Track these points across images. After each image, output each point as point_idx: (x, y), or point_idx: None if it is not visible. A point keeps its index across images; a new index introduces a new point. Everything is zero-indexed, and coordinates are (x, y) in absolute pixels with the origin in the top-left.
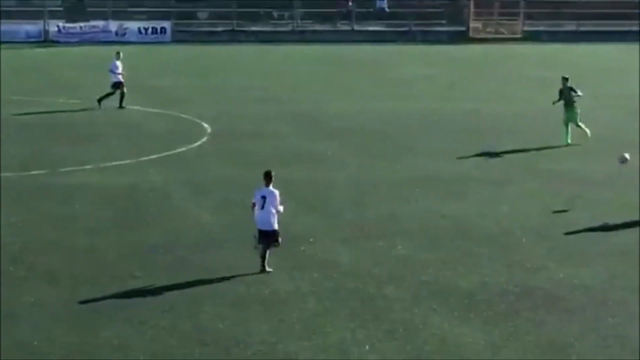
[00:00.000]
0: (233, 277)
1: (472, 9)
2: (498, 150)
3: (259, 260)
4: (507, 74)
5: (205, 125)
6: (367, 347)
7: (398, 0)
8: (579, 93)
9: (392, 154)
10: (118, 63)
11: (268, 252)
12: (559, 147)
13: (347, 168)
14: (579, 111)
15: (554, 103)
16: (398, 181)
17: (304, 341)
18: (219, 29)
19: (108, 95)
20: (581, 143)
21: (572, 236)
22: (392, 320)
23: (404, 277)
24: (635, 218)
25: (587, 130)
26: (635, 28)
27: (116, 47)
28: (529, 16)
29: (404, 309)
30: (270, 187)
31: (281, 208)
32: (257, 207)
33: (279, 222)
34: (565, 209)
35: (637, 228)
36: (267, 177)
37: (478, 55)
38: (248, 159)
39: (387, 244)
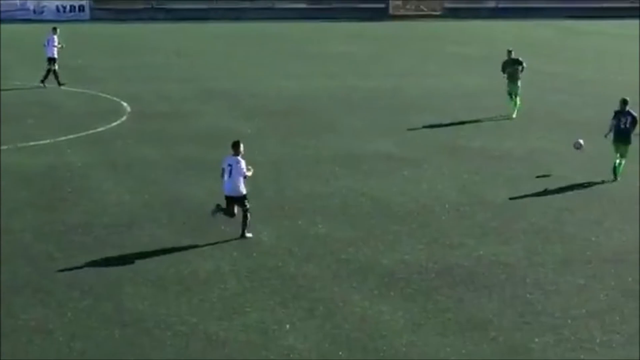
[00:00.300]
0: (153, 257)
1: None
2: (417, 127)
3: (184, 239)
4: (426, 51)
5: (125, 104)
6: (287, 326)
7: None
8: (524, 65)
9: (312, 132)
10: (55, 37)
11: (243, 219)
12: (476, 122)
13: (266, 147)
14: (520, 84)
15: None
16: (318, 160)
17: (225, 321)
18: (138, 6)
19: (48, 73)
20: (501, 119)
21: (490, 213)
22: (312, 298)
23: (324, 255)
24: (552, 194)
25: (515, 109)
26: (553, 4)
27: (35, 25)
28: None
29: (324, 287)
30: (238, 157)
31: (249, 173)
32: (225, 175)
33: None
34: (482, 184)
35: (557, 204)
36: (235, 147)
37: (398, 32)
38: (167, 139)
39: (307, 223)
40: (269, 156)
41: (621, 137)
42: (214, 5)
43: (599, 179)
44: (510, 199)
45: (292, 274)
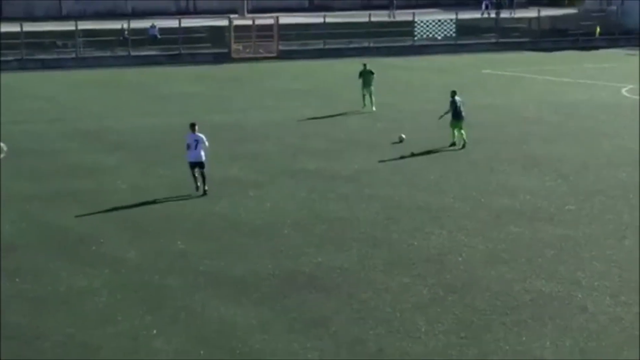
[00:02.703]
0: (32, 277)
1: (232, 33)
2: (259, 154)
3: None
4: (264, 88)
5: (2, 144)
6: (154, 331)
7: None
8: (374, 74)
9: (166, 162)
10: None
11: (202, 178)
12: (310, 147)
13: (128, 176)
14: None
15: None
16: (173, 185)
17: (99, 330)
18: (9, 58)
19: None
20: (327, 145)
21: (326, 226)
22: (175, 307)
23: (184, 268)
24: (378, 207)
25: (372, 104)
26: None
27: None
28: (283, 37)
29: (185, 296)
30: (197, 133)
31: (207, 144)
32: (191, 148)
33: (206, 155)
34: (319, 201)
35: (383, 215)
36: (192, 126)
37: (239, 73)
38: (41, 173)
39: (168, 241)
40: (131, 184)
41: (458, 117)
42: (76, 55)
43: (419, 194)
44: (339, 212)
45: (156, 286)
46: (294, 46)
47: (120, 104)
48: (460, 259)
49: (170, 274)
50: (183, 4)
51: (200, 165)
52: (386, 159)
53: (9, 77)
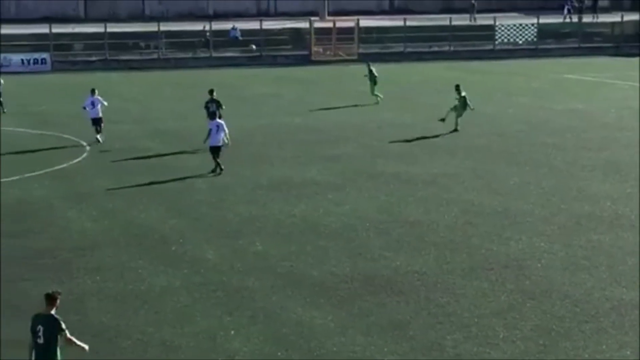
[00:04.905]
0: (113, 276)
1: (313, 35)
2: (338, 156)
3: (139, 259)
4: (343, 90)
5: (84, 143)
6: (232, 332)
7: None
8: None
9: (248, 163)
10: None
11: (218, 159)
12: (389, 150)
13: (207, 175)
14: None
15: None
16: (254, 186)
17: (177, 329)
18: (93, 58)
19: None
20: (406, 149)
21: (405, 229)
22: (253, 307)
23: (263, 269)
24: (457, 211)
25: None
26: (446, 48)
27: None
28: (363, 40)
29: (264, 297)
30: (217, 120)
31: (227, 129)
32: (212, 132)
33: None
34: (397, 204)
35: (462, 220)
36: (213, 115)
37: (319, 75)
38: (122, 172)
39: (247, 242)
40: (211, 184)
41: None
42: (159, 56)
43: (498, 199)
44: (420, 216)
45: (235, 287)
46: (374, 49)
47: (201, 105)
48: (539, 265)
49: (249, 275)
50: (264, 5)
51: (220, 148)
52: (466, 163)
53: (93, 77)
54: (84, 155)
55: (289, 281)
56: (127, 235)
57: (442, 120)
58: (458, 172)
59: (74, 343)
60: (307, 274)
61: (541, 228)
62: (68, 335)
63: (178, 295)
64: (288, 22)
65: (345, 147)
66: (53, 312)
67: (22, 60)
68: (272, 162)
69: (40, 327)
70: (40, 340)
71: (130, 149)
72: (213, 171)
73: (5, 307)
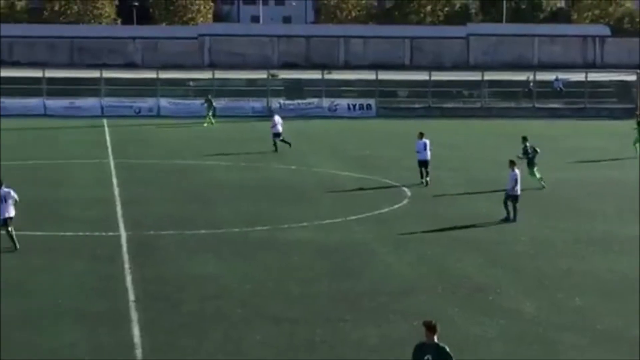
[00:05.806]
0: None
1: None
2: None
3: (453, 306)
4: None
5: (405, 189)
6: None
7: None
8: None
9: (569, 216)
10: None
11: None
12: None
13: (529, 228)
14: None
15: None
16: (574, 240)
17: None
18: (416, 105)
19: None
20: None
21: None
22: None
23: (581, 324)
24: None
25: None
26: None
27: (328, 121)
28: None
29: (581, 354)
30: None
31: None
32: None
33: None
34: None
35: None
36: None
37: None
38: (440, 219)
39: (566, 295)
40: (531, 236)
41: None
42: (482, 105)
43: None
44: None
45: (551, 341)
46: None
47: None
48: None
49: (566, 329)
50: (590, 56)
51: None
52: None
53: (416, 124)
54: (405, 201)
55: (608, 338)
56: (443, 282)
57: None
58: None
59: None
60: (626, 332)
61: None
62: None
63: (493, 346)
64: (614, 74)
65: None
66: (435, 339)
67: (349, 105)
68: (594, 215)
69: (428, 357)
70: None
71: (446, 197)
72: (506, 219)
73: (327, 347)
